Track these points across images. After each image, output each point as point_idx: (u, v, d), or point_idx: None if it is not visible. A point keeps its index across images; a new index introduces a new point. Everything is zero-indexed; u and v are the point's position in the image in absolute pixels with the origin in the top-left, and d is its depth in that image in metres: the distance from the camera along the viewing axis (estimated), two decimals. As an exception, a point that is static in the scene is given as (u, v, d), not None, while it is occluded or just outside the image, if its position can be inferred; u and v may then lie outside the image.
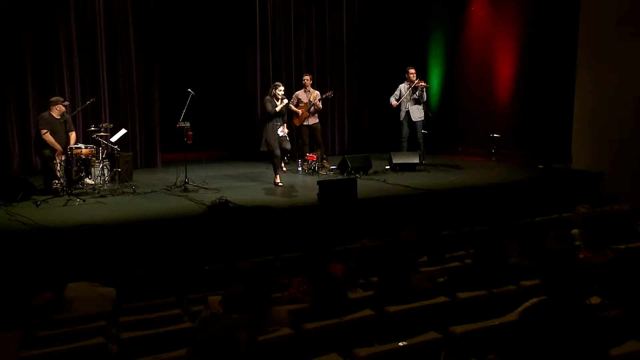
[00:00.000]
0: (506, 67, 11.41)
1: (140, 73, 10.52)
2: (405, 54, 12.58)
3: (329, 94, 10.53)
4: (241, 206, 7.00)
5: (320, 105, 10.21)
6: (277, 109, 8.38)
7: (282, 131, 8.55)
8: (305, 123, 10.33)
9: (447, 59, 12.64)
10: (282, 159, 8.68)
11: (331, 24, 12.45)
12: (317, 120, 10.49)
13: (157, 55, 10.73)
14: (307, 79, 10.36)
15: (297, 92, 10.50)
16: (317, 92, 10.43)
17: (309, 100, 10.32)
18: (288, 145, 8.66)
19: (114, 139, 8.62)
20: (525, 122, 10.95)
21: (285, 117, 8.84)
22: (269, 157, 8.85)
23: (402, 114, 10.34)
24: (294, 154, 11.00)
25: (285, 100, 8.47)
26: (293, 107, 10.18)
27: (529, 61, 10.89)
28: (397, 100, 10.34)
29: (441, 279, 4.22)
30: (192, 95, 8.38)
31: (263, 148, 8.57)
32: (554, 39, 10.35)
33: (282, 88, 8.51)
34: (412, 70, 10.29)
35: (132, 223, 6.37)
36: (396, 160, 9.94)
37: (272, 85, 8.82)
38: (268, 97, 8.55)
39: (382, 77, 13.15)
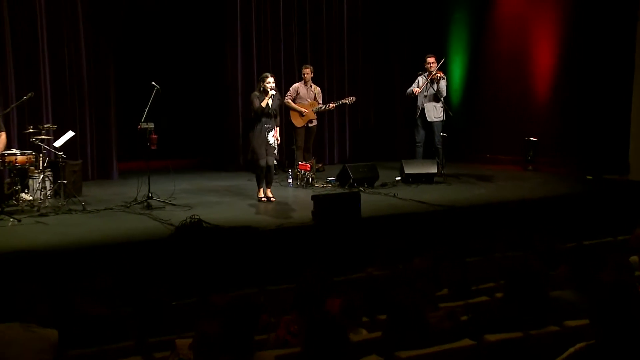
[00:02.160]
0: (546, 56, 11.51)
1: (92, 65, 10.54)
2: (421, 40, 12.70)
3: (349, 100, 10.66)
4: (218, 227, 7.00)
5: (334, 107, 10.50)
6: (263, 103, 8.37)
7: (274, 136, 8.54)
8: (309, 125, 10.48)
9: (471, 45, 12.76)
10: (268, 175, 8.65)
11: (329, 7, 12.57)
12: (316, 123, 10.62)
13: (114, 44, 10.79)
14: (307, 72, 10.49)
15: (295, 85, 10.61)
16: (319, 89, 10.55)
17: (315, 99, 10.38)
18: (272, 160, 8.61)
19: (58, 143, 8.55)
20: (570, 124, 11.03)
21: (278, 119, 8.83)
22: (252, 167, 8.85)
23: (418, 112, 10.43)
24: (283, 162, 11.04)
25: (273, 92, 8.40)
26: (292, 104, 10.29)
27: (574, 49, 10.99)
28: (419, 88, 10.38)
29: (465, 317, 4.21)
30: (158, 89, 8.39)
31: (249, 157, 8.62)
32: (607, 22, 10.39)
33: (271, 79, 8.48)
34: (430, 59, 10.39)
35: (81, 248, 6.36)
36: (409, 169, 9.99)
37: (259, 78, 8.84)
38: (256, 93, 8.54)
39: (391, 69, 13.25)
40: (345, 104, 10.91)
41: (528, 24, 11.76)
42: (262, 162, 8.49)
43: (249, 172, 11.08)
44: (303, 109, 10.41)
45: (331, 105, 10.47)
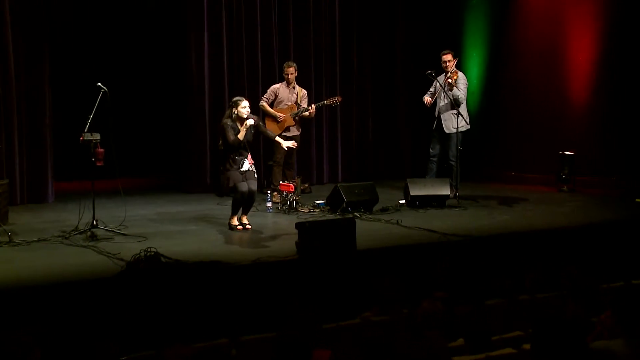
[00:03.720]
0: (584, 52, 11.62)
1: (21, 64, 10.50)
2: (429, 32, 12.84)
3: (334, 100, 10.74)
4: (179, 262, 6.97)
5: (314, 111, 10.51)
6: (240, 136, 8.46)
7: (248, 164, 8.71)
8: (284, 133, 10.45)
9: (492, 38, 12.89)
10: (250, 201, 8.71)
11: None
12: (298, 133, 10.66)
13: (50, 37, 10.79)
14: (290, 71, 10.58)
15: (275, 86, 10.71)
16: (304, 91, 10.64)
17: (296, 102, 10.43)
18: (254, 186, 8.72)
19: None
20: (613, 134, 11.13)
21: (248, 153, 8.88)
22: (229, 191, 8.98)
23: (435, 121, 10.60)
24: (261, 183, 11.05)
25: (251, 121, 8.53)
26: (267, 108, 10.40)
27: (618, 43, 11.09)
28: (432, 98, 10.51)
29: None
30: (104, 92, 8.40)
31: (230, 184, 8.70)
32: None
33: (245, 104, 8.58)
34: (445, 57, 10.53)
35: (6, 290, 6.29)
36: (416, 191, 10.03)
37: (230, 103, 8.90)
38: (228, 122, 8.60)
39: (394, 68, 13.36)
40: (329, 106, 10.99)
41: (562, 12, 11.89)
42: (243, 187, 8.57)
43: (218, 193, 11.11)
44: (279, 114, 10.47)
45: (311, 108, 10.48)
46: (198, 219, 9.43)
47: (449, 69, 10.42)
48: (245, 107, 8.58)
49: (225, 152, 8.73)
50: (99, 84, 8.45)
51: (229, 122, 8.62)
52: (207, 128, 11.79)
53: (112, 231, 8.33)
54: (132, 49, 12.71)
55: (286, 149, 9.36)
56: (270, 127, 10.44)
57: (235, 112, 8.59)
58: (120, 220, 8.71)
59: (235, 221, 8.70)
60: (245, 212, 8.75)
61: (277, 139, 9.20)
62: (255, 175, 8.78)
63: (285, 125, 10.52)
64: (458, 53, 11.06)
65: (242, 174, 8.63)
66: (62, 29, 11.14)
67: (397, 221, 8.93)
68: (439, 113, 10.54)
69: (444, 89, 10.32)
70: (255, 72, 12.11)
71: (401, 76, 13.26)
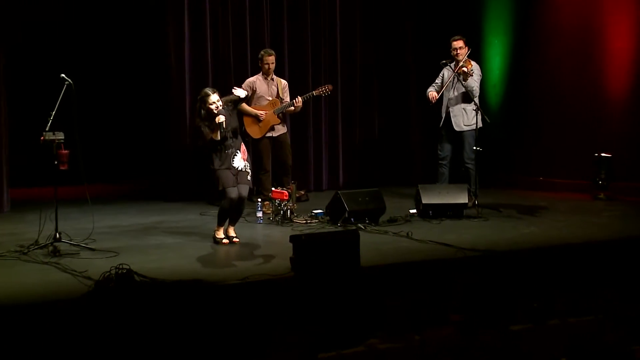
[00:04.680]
0: (624, 38, 11.62)
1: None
2: (444, 15, 12.86)
3: (324, 90, 10.68)
4: (156, 281, 6.95)
5: (301, 105, 10.48)
6: (216, 137, 8.42)
7: (242, 159, 8.62)
8: (269, 134, 10.41)
9: (516, 23, 12.87)
10: (240, 209, 8.70)
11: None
12: (286, 129, 10.62)
13: (3, 22, 10.79)
14: (270, 60, 10.57)
15: (251, 79, 10.72)
16: (284, 82, 10.68)
17: (277, 96, 10.41)
18: (245, 191, 8.66)
19: None
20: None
21: (239, 142, 8.79)
22: (218, 196, 8.96)
23: (443, 117, 10.60)
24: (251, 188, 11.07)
25: (222, 119, 8.31)
26: (245, 106, 10.29)
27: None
28: (438, 92, 10.55)
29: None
30: (69, 85, 8.38)
31: (221, 187, 8.64)
32: None
33: (214, 98, 8.41)
34: (456, 44, 10.54)
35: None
36: (428, 198, 10.03)
37: (198, 98, 8.76)
38: (199, 121, 8.50)
39: (403, 56, 13.39)
40: (319, 97, 10.96)
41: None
42: (233, 194, 8.53)
43: (203, 202, 11.09)
44: (260, 112, 10.43)
45: (298, 101, 10.45)
46: (178, 231, 9.43)
47: (460, 58, 10.42)
48: (214, 102, 8.42)
49: (210, 149, 8.67)
50: (63, 75, 8.42)
51: (199, 121, 8.54)
52: (188, 126, 11.79)
53: (78, 245, 8.31)
54: (101, 37, 12.71)
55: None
56: (251, 129, 10.48)
57: (204, 109, 8.49)
58: (87, 233, 8.69)
59: (220, 233, 8.69)
60: (232, 223, 8.74)
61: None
62: (249, 176, 8.71)
63: (270, 125, 10.52)
64: (477, 40, 11.12)
65: (234, 174, 8.55)
66: (17, 12, 11.09)
67: (408, 233, 8.91)
68: (448, 108, 10.57)
69: (458, 78, 10.33)
70: (244, 64, 12.10)
71: (412, 67, 13.29)
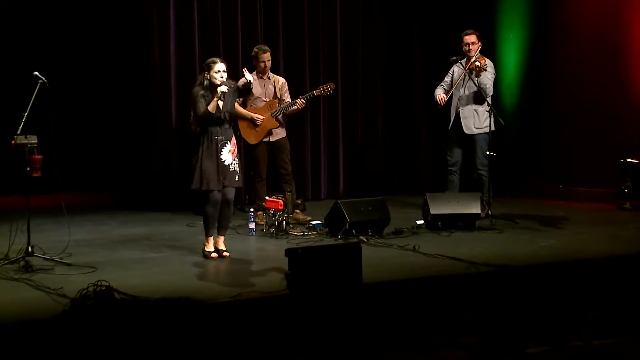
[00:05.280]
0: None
1: None
2: (454, 6, 12.89)
3: (325, 89, 10.61)
4: (138, 299, 6.94)
5: (303, 104, 10.42)
6: (211, 107, 8.25)
7: (231, 152, 8.52)
8: (266, 139, 10.43)
9: (534, 15, 12.86)
10: (227, 214, 8.66)
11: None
12: (285, 134, 10.63)
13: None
14: (265, 57, 10.52)
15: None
16: (282, 80, 10.64)
17: (275, 96, 10.43)
18: (231, 194, 8.62)
19: None
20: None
21: (231, 133, 8.73)
22: (200, 202, 8.84)
23: (452, 118, 10.58)
24: (241, 198, 11.01)
25: (224, 88, 8.26)
26: (240, 108, 10.23)
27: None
28: (447, 93, 10.56)
29: None
30: (43, 84, 8.36)
31: (195, 185, 8.56)
32: None
33: (221, 67, 8.39)
34: (468, 38, 10.52)
35: None
36: (437, 209, 10.01)
37: (203, 65, 8.76)
38: (199, 89, 8.45)
39: (410, 51, 13.43)
40: (319, 97, 10.89)
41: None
42: (216, 195, 8.48)
43: (190, 211, 11.07)
44: (257, 115, 10.41)
45: (299, 102, 10.40)
46: (163, 244, 9.38)
47: (472, 54, 10.41)
48: (219, 71, 8.38)
49: (197, 130, 8.58)
50: (36, 73, 8.40)
51: (200, 90, 8.48)
52: (173, 133, 11.83)
53: (53, 260, 8.27)
54: (78, 31, 12.66)
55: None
56: (247, 134, 10.44)
57: (208, 78, 8.46)
58: (63, 247, 8.64)
59: (210, 246, 8.64)
60: (221, 232, 8.68)
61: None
62: (238, 176, 8.61)
63: (267, 129, 10.45)
64: (491, 34, 11.10)
65: (219, 171, 8.43)
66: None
67: (414, 247, 8.89)
68: (458, 108, 10.55)
69: (470, 75, 10.32)
70: (234, 58, 12.07)
71: (419, 63, 13.34)
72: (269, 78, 10.58)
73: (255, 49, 10.65)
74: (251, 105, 10.46)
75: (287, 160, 10.73)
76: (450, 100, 10.59)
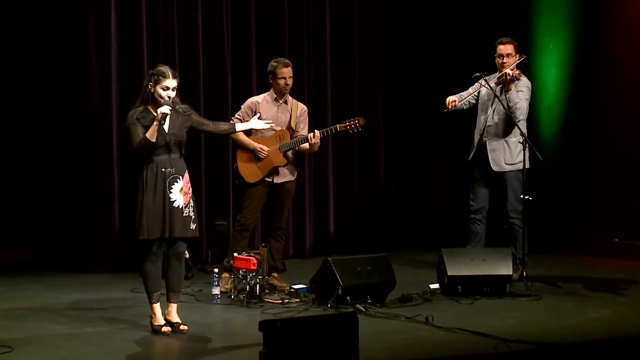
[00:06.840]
0: None
1: None
2: (480, 13, 13.04)
3: (353, 124, 10.45)
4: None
5: (318, 142, 10.27)
6: (150, 135, 8.12)
7: (183, 192, 8.35)
8: (268, 178, 10.34)
9: (581, 19, 12.91)
10: (177, 273, 8.55)
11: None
12: (294, 177, 10.55)
13: None
14: (285, 72, 10.38)
15: (254, 99, 10.61)
16: (302, 107, 10.59)
17: (289, 127, 10.40)
18: (181, 248, 8.53)
19: None
20: None
21: (184, 168, 8.61)
22: (141, 254, 8.73)
23: (474, 146, 10.58)
24: (202, 254, 10.82)
25: (165, 109, 8.09)
26: (243, 138, 10.28)
27: None
28: (461, 100, 10.53)
29: None
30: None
31: (142, 235, 8.43)
32: None
33: (171, 84, 8.25)
34: (503, 49, 10.48)
35: None
36: (456, 269, 10.00)
37: (151, 72, 8.55)
38: (133, 113, 8.33)
39: (421, 72, 13.57)
40: (342, 133, 10.66)
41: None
42: (157, 247, 8.39)
43: (135, 272, 10.86)
44: (261, 146, 10.24)
45: (314, 136, 10.21)
46: (101, 316, 9.31)
47: (508, 69, 10.32)
48: (167, 88, 8.22)
49: (140, 162, 8.39)
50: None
51: (135, 113, 8.31)
52: (115, 171, 11.79)
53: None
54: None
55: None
56: (246, 169, 10.28)
57: (152, 91, 8.29)
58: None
59: (158, 318, 8.50)
60: (172, 299, 8.56)
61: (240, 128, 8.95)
62: (193, 223, 8.46)
63: (272, 166, 10.27)
64: (525, 44, 11.03)
65: (165, 213, 8.28)
66: None
67: (427, 318, 8.82)
68: (484, 138, 10.52)
69: (501, 91, 10.26)
70: (195, 71, 12.15)
71: (433, 82, 13.44)
72: (285, 102, 10.42)
73: (272, 63, 10.48)
74: (256, 134, 10.27)
75: (287, 211, 10.68)
76: (466, 117, 10.62)
